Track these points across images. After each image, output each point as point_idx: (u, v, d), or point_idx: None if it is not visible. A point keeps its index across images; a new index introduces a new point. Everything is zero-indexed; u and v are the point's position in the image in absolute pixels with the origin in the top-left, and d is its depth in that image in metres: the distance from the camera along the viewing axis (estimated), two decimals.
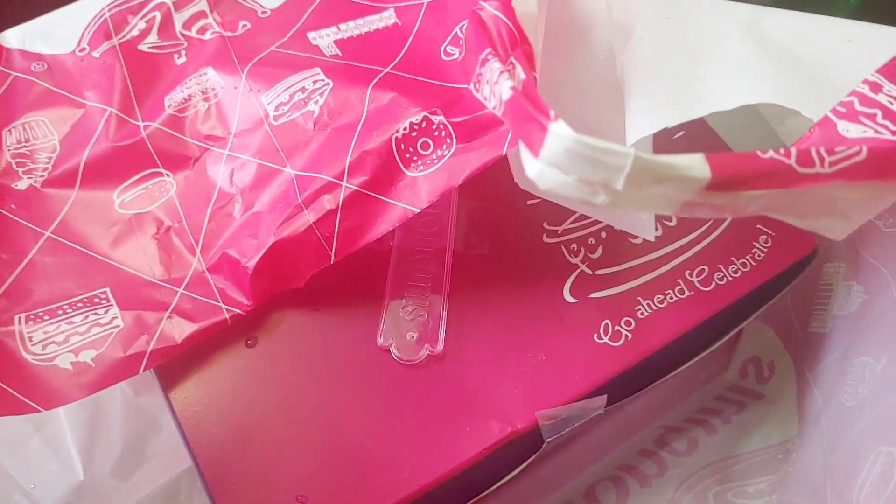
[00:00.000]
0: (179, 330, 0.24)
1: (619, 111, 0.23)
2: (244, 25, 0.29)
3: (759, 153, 0.17)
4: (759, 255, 0.26)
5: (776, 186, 0.17)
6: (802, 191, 0.17)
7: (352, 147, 0.24)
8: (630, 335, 0.25)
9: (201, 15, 0.29)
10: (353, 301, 0.25)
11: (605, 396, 0.24)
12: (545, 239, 0.27)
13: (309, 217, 0.24)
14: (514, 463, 0.24)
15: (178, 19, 0.29)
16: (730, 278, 0.26)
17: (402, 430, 0.23)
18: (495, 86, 0.20)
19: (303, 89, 0.26)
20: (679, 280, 0.26)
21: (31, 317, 0.24)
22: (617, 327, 0.25)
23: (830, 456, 0.26)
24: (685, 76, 0.22)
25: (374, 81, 0.25)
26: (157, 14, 0.29)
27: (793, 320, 0.31)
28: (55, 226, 0.26)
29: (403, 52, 0.26)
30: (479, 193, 0.27)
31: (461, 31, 0.25)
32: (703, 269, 0.26)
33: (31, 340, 0.23)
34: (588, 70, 0.24)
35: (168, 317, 0.24)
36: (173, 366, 0.24)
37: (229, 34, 0.29)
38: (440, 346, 0.24)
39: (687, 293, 0.25)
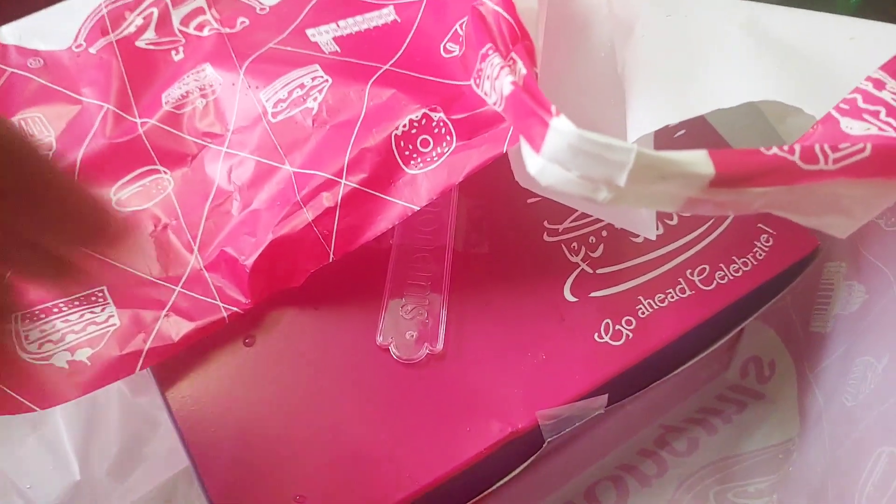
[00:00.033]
0: (177, 328, 0.24)
1: (620, 108, 0.23)
2: (242, 22, 0.29)
3: (762, 150, 0.17)
4: (760, 254, 0.26)
5: (780, 183, 0.17)
6: (806, 188, 0.17)
7: (351, 144, 0.24)
8: (631, 334, 0.24)
9: (199, 11, 0.29)
10: (353, 299, 0.25)
11: (606, 396, 0.24)
12: (545, 237, 0.26)
13: (308, 215, 0.24)
14: (514, 463, 0.24)
15: (176, 16, 0.29)
16: (731, 277, 0.26)
17: (402, 429, 0.23)
18: (496, 81, 0.20)
19: (301, 86, 0.26)
20: (680, 279, 0.26)
21: (27, 315, 0.24)
22: (618, 326, 0.25)
23: (831, 456, 0.26)
24: (686, 74, 0.22)
25: (374, 78, 0.25)
26: (155, 10, 0.29)
27: (794, 320, 0.31)
28: None
29: (403, 48, 0.26)
30: (479, 191, 0.27)
31: (461, 28, 0.25)
32: (705, 268, 0.26)
33: (26, 339, 0.23)
34: (588, 66, 0.24)
35: (165, 315, 0.24)
36: (170, 365, 0.24)
37: (227, 31, 0.28)
38: (440, 346, 0.24)
39: (688, 292, 0.25)
